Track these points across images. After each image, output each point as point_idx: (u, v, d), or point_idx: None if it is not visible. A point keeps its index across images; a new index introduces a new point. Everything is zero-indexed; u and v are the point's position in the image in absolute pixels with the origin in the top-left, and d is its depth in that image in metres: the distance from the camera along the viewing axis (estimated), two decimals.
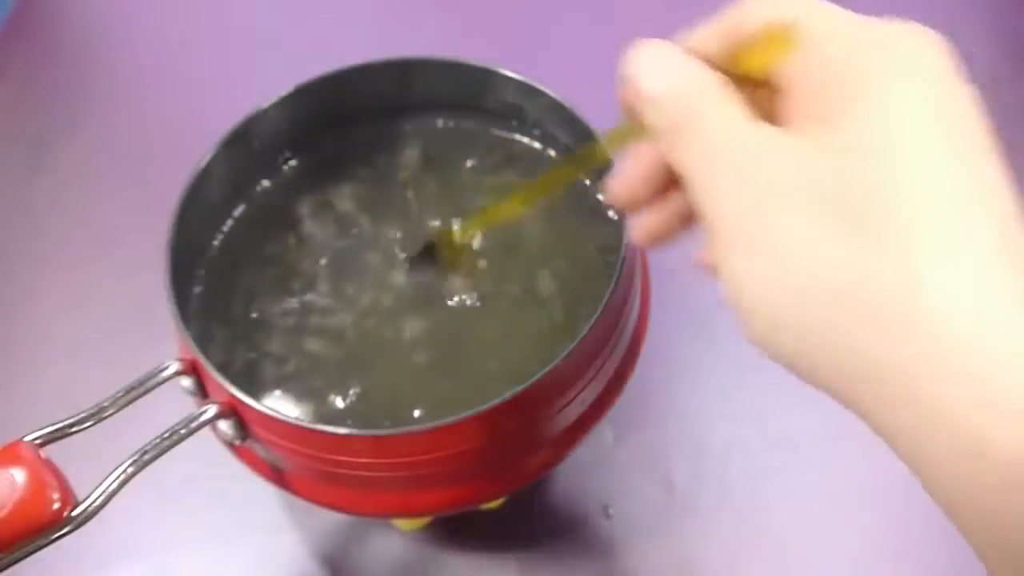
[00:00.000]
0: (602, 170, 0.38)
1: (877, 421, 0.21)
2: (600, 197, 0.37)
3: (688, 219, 0.27)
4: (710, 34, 0.25)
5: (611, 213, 0.41)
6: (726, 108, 0.23)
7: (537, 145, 0.46)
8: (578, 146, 0.37)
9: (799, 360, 0.22)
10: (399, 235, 0.43)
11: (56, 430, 0.33)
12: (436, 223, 0.43)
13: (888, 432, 0.21)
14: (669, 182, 0.27)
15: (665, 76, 0.24)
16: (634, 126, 0.26)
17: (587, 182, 0.44)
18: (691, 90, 0.24)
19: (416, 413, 0.38)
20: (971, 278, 0.20)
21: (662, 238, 0.28)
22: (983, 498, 0.19)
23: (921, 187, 0.20)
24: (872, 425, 0.22)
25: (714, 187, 0.23)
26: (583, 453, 0.46)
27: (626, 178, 0.27)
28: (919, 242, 0.20)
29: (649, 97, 0.24)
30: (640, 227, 0.28)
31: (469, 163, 0.46)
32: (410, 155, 0.47)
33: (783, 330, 0.22)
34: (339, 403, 0.39)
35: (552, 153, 0.45)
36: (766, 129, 0.23)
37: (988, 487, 0.19)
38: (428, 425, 0.34)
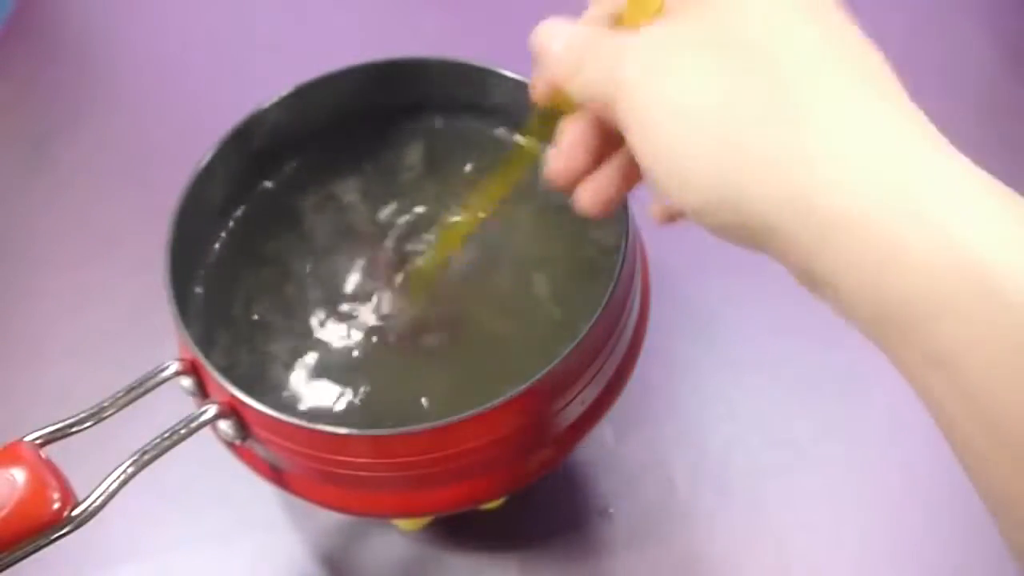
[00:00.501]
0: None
1: (788, 261, 0.24)
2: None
3: (630, 175, 0.30)
4: (593, 16, 0.30)
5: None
6: (614, 35, 0.27)
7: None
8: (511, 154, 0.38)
9: (716, 214, 0.25)
10: (370, 259, 0.43)
11: (56, 430, 0.33)
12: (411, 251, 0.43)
13: (794, 264, 0.24)
14: (600, 146, 0.30)
15: (560, 35, 0.29)
16: (547, 107, 0.30)
17: None
18: (583, 33, 0.28)
19: (416, 413, 0.38)
20: (837, 98, 0.23)
21: (611, 200, 0.30)
22: (863, 271, 0.22)
23: (789, 36, 0.24)
24: (785, 265, 0.24)
25: (622, 92, 0.26)
26: (583, 453, 0.46)
27: (560, 155, 0.30)
28: (794, 81, 0.23)
29: (554, 56, 0.29)
30: (585, 195, 0.30)
31: (468, 164, 0.46)
32: (410, 155, 0.47)
33: (694, 188, 0.25)
34: (340, 403, 0.39)
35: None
36: (650, 29, 0.26)
37: (866, 259, 0.22)
38: (428, 425, 0.34)
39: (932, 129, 0.23)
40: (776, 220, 0.23)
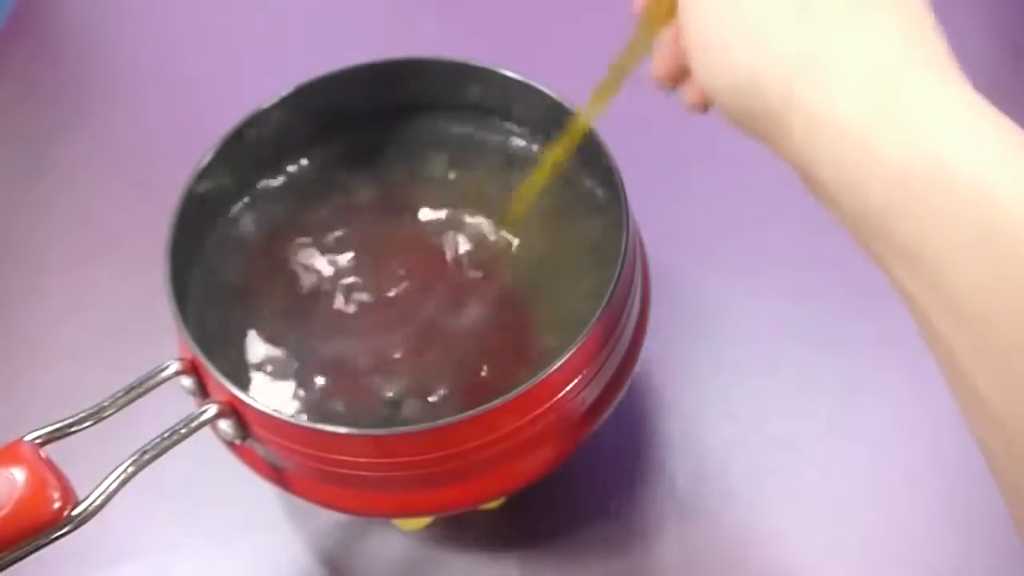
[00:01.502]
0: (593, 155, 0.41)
1: (785, 154, 0.27)
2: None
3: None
4: None
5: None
6: None
7: (535, 146, 0.46)
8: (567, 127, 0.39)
9: (732, 96, 0.28)
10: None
11: (56, 430, 0.33)
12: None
13: (789, 158, 0.27)
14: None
15: None
16: (649, 21, 0.34)
17: (589, 182, 0.44)
18: None
19: (416, 412, 0.38)
20: (857, 16, 0.26)
21: (703, 98, 0.33)
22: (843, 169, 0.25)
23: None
24: (784, 158, 0.27)
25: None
26: (583, 453, 0.46)
27: (661, 55, 0.34)
28: (827, 9, 0.26)
29: None
30: (687, 95, 0.34)
31: (468, 164, 0.46)
32: (410, 155, 0.47)
33: (725, 69, 0.28)
34: (340, 403, 0.39)
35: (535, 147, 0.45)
36: None
37: (846, 158, 0.25)
38: (428, 425, 0.34)
39: (942, 56, 0.26)
40: (778, 109, 0.26)
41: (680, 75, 0.34)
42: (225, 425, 0.36)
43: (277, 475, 0.38)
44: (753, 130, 0.28)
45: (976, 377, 0.23)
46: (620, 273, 0.37)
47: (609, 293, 0.36)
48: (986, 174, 0.22)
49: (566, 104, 0.42)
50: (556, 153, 0.40)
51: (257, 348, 0.41)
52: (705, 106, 0.34)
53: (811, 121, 0.25)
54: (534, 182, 0.41)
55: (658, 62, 0.35)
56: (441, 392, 0.39)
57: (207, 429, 0.36)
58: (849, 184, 0.25)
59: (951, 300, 0.23)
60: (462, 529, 0.44)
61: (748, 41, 0.27)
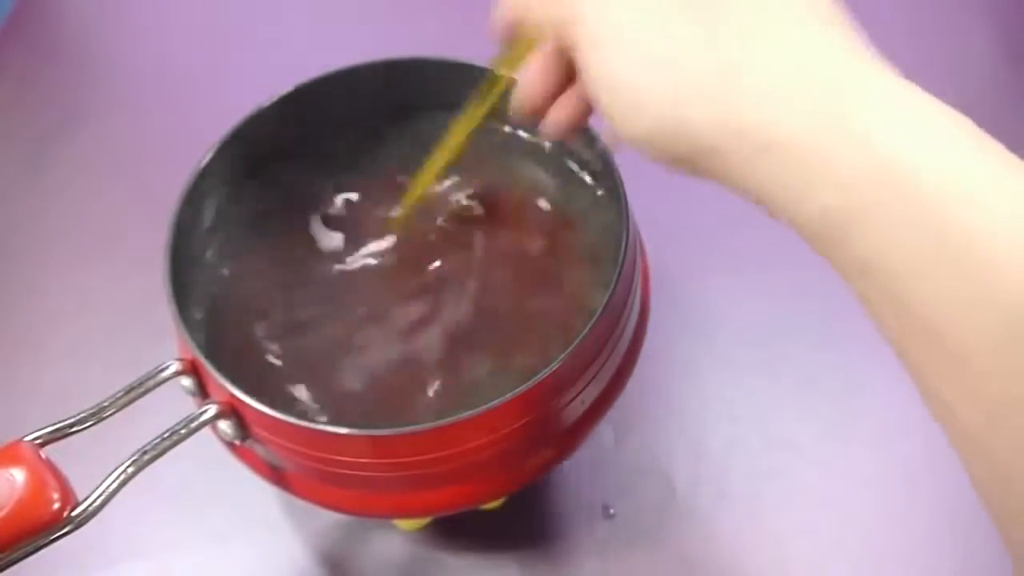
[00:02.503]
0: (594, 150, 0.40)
1: (728, 182, 0.25)
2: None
3: (589, 102, 0.31)
4: None
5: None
6: None
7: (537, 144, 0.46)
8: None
9: (660, 142, 0.26)
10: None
11: (56, 430, 0.33)
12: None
13: (734, 185, 0.25)
14: (562, 76, 0.31)
15: None
16: (513, 45, 0.32)
17: (589, 181, 0.44)
18: None
19: (416, 412, 0.38)
20: (774, 25, 0.24)
21: (571, 124, 0.32)
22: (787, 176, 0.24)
23: None
24: (727, 187, 0.26)
25: (576, 21, 0.27)
26: (583, 453, 0.46)
27: (524, 85, 0.32)
28: (735, 10, 0.25)
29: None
30: (548, 120, 0.33)
31: (468, 164, 0.46)
32: (411, 155, 0.47)
33: (641, 117, 0.26)
34: (340, 403, 0.39)
35: (547, 144, 0.45)
36: None
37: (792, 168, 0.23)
38: (428, 425, 0.34)
39: (867, 51, 0.24)
40: (713, 142, 0.24)
41: (545, 106, 0.32)
42: (225, 425, 0.36)
43: (277, 475, 0.38)
44: (689, 171, 0.26)
45: (944, 391, 0.22)
46: (620, 273, 0.37)
47: (609, 293, 0.36)
48: (945, 179, 0.21)
49: None
50: (453, 139, 0.40)
51: (258, 348, 0.41)
52: (569, 136, 0.33)
53: (752, 145, 0.24)
54: (419, 187, 0.41)
55: (524, 94, 0.32)
56: (441, 394, 0.39)
57: (207, 429, 0.36)
58: (801, 198, 0.23)
59: (909, 308, 0.22)
60: (462, 529, 0.44)
61: (661, 78, 0.25)
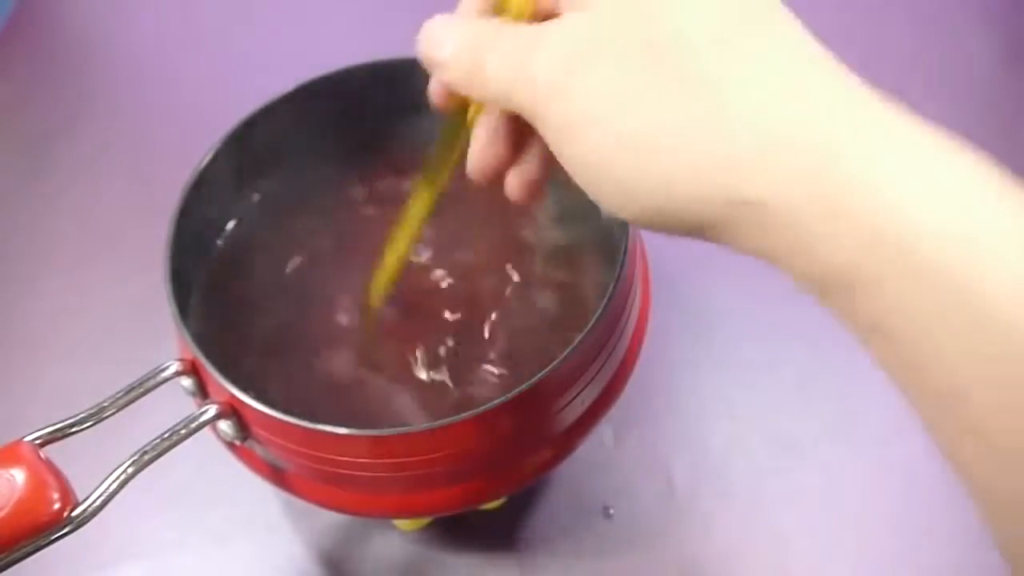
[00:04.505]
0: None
1: (734, 247, 0.24)
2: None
3: (552, 159, 0.27)
4: (471, 6, 0.28)
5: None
6: (517, 30, 0.25)
7: None
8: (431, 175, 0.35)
9: (656, 222, 0.24)
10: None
11: (56, 430, 0.33)
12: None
13: (740, 250, 0.24)
14: (517, 137, 0.29)
15: (449, 37, 0.27)
16: (457, 114, 0.29)
17: None
18: (476, 30, 0.26)
19: (416, 414, 0.38)
20: (757, 95, 0.22)
21: (536, 185, 0.30)
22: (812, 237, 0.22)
23: (706, 33, 0.23)
24: (734, 250, 0.24)
25: (537, 94, 0.24)
26: (583, 453, 0.46)
27: (478, 154, 0.29)
28: (713, 80, 0.22)
29: (447, 60, 0.27)
30: (512, 184, 0.30)
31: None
32: (411, 155, 0.47)
33: (631, 200, 0.24)
34: (340, 402, 0.39)
35: None
36: (565, 22, 0.24)
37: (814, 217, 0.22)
38: (428, 425, 0.34)
39: (865, 93, 0.23)
40: (713, 218, 0.23)
41: (503, 169, 0.30)
42: (225, 426, 0.36)
43: (277, 475, 0.38)
44: (692, 237, 0.25)
45: (965, 455, 0.22)
46: (620, 273, 0.37)
47: (609, 293, 0.36)
48: (948, 238, 0.20)
49: None
50: (409, 225, 0.36)
51: (258, 348, 0.41)
52: (536, 194, 0.30)
53: (752, 217, 0.23)
54: (386, 274, 0.38)
55: (477, 164, 0.29)
56: (442, 394, 0.39)
57: (207, 429, 0.36)
58: (809, 264, 0.22)
59: (925, 375, 0.21)
60: (462, 529, 0.44)
61: (646, 159, 0.23)
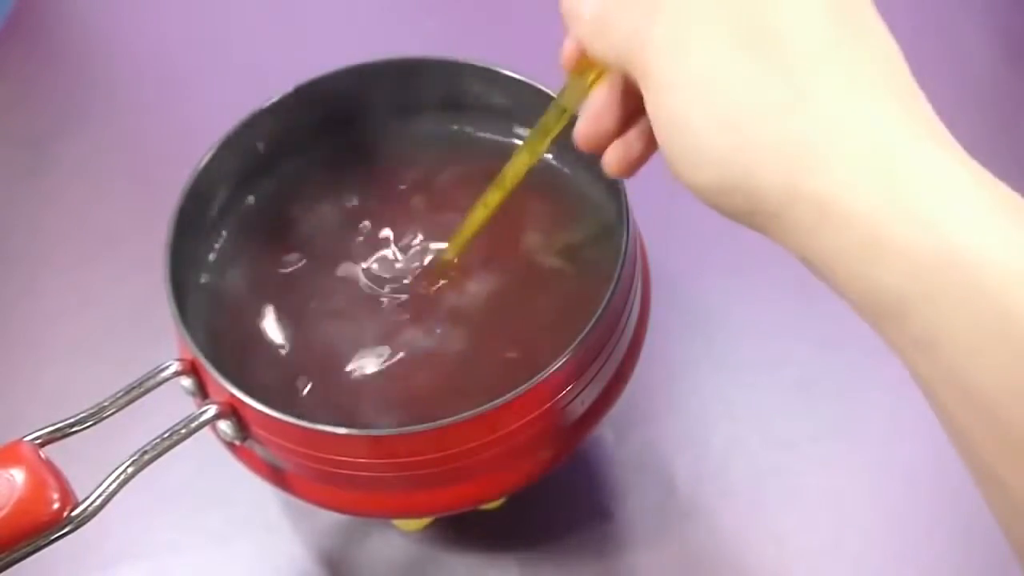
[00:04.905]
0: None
1: (786, 244, 0.25)
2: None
3: (653, 140, 0.29)
4: None
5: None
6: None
7: None
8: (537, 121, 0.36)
9: (721, 195, 0.25)
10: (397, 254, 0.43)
11: (56, 430, 0.33)
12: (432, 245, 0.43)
13: (791, 248, 0.25)
14: (627, 110, 0.30)
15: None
16: (580, 76, 0.31)
17: (590, 180, 0.44)
18: None
19: (416, 412, 0.38)
20: (843, 90, 0.24)
21: (633, 162, 0.31)
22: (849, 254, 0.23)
23: (810, 25, 0.24)
24: (785, 247, 0.25)
25: (646, 57, 0.26)
26: (583, 453, 0.46)
27: (588, 118, 0.31)
28: (805, 71, 0.24)
29: (583, 18, 0.29)
30: (610, 158, 0.31)
31: (468, 164, 0.46)
32: (411, 155, 0.47)
33: (705, 165, 0.25)
34: (339, 402, 0.39)
35: (548, 155, 0.45)
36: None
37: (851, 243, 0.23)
38: (428, 425, 0.34)
39: (938, 127, 0.24)
40: (776, 206, 0.24)
41: (606, 142, 0.31)
42: (225, 426, 0.36)
43: (277, 475, 0.38)
44: (747, 224, 0.26)
45: (999, 468, 0.22)
46: (620, 273, 0.37)
47: (609, 293, 0.36)
48: (1004, 263, 0.21)
49: None
50: (495, 196, 0.38)
51: (258, 348, 0.41)
52: (631, 171, 0.32)
53: (812, 215, 0.23)
54: (471, 226, 0.39)
55: (585, 129, 0.31)
56: (441, 394, 0.39)
57: (207, 429, 0.36)
58: (860, 274, 0.23)
59: (970, 390, 0.22)
60: (462, 529, 0.44)
61: (730, 130, 0.24)
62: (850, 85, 0.24)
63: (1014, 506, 0.22)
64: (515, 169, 0.37)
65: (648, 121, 0.28)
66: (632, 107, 0.30)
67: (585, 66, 0.31)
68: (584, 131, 0.31)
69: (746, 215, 0.25)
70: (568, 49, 0.31)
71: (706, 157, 0.25)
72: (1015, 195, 0.23)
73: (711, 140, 0.25)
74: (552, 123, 0.34)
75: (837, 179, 0.23)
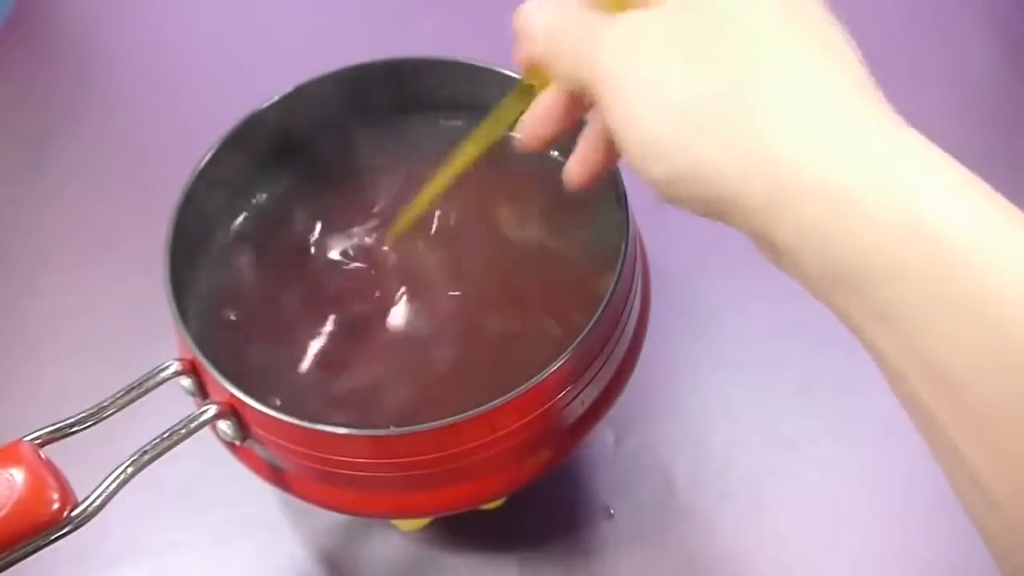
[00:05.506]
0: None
1: (747, 229, 0.25)
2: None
3: (613, 147, 0.30)
4: None
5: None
6: (593, 18, 0.28)
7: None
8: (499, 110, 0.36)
9: (679, 185, 0.26)
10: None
11: (56, 430, 0.33)
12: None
13: (753, 232, 0.25)
14: (570, 114, 0.31)
15: (540, 17, 0.30)
16: (531, 79, 0.32)
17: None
18: (562, 15, 0.29)
19: (416, 413, 0.38)
20: (795, 76, 0.24)
21: (595, 170, 0.33)
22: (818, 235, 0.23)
23: (751, 21, 0.25)
24: (746, 233, 0.26)
25: (599, 71, 0.27)
26: (583, 453, 0.46)
27: (533, 119, 0.32)
28: (756, 63, 0.24)
29: (534, 37, 0.30)
30: (572, 167, 0.33)
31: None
32: (410, 155, 0.47)
33: (660, 158, 0.26)
34: (339, 402, 0.39)
35: (554, 153, 0.45)
36: (629, 15, 0.27)
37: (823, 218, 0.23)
38: (428, 425, 0.34)
39: (890, 110, 0.24)
40: (733, 190, 0.24)
41: (552, 139, 0.32)
42: (225, 426, 0.36)
43: (277, 475, 0.38)
44: (708, 214, 0.26)
45: (957, 441, 0.22)
46: (620, 273, 0.37)
47: (609, 293, 0.36)
48: (974, 235, 0.21)
49: None
50: (454, 166, 0.38)
51: (258, 348, 0.41)
52: (593, 182, 0.33)
53: (776, 192, 0.23)
54: (428, 195, 0.39)
55: (529, 128, 0.32)
56: (441, 394, 0.39)
57: (207, 429, 0.36)
58: (821, 248, 0.23)
59: (931, 363, 0.22)
60: (462, 529, 0.44)
61: (680, 120, 0.25)
62: (803, 71, 0.24)
63: (973, 480, 0.23)
64: (459, 160, 0.37)
65: (599, 130, 0.29)
66: (570, 113, 0.31)
67: (536, 76, 0.32)
68: (527, 132, 0.32)
69: (704, 203, 0.26)
70: (520, 58, 0.32)
71: (659, 149, 0.25)
72: (958, 164, 0.23)
73: (663, 131, 0.25)
74: (497, 122, 0.35)
75: (793, 155, 0.23)
